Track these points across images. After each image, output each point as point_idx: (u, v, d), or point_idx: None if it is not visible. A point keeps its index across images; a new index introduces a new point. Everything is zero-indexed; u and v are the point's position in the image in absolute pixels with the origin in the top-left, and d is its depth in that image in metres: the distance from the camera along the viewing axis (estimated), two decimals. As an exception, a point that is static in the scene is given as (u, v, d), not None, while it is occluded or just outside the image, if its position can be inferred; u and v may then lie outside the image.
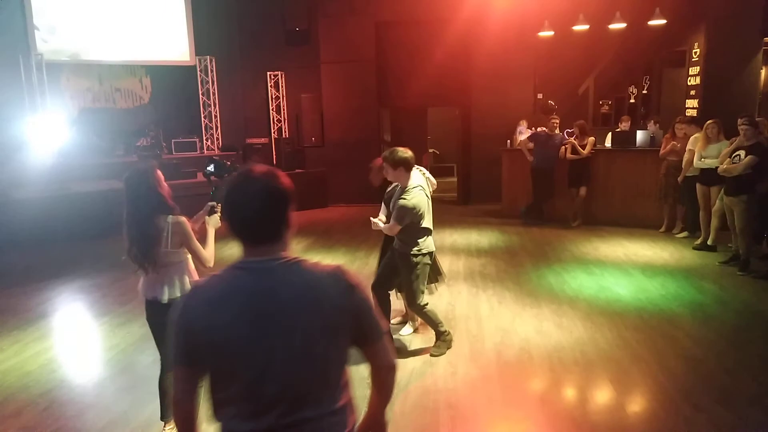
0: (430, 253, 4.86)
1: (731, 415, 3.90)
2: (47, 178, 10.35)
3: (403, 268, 4.80)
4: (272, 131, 13.86)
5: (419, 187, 4.67)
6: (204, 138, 13.84)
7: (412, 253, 4.73)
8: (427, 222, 4.77)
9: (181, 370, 1.77)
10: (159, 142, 12.93)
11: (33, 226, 9.42)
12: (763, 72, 11.46)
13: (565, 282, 6.91)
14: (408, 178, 4.66)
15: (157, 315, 3.55)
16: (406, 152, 4.62)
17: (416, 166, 4.77)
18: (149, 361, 5.04)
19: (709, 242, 8.03)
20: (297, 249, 8.81)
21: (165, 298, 3.52)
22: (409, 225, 4.67)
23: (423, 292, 4.86)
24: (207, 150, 13.77)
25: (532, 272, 7.36)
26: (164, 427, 3.79)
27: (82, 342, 5.66)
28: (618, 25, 10.99)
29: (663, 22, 10.64)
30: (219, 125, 13.94)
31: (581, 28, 11.20)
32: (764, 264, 7.11)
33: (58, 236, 9.52)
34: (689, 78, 11.27)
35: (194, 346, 1.70)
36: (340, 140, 12.66)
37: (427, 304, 4.88)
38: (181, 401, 1.79)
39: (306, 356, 1.70)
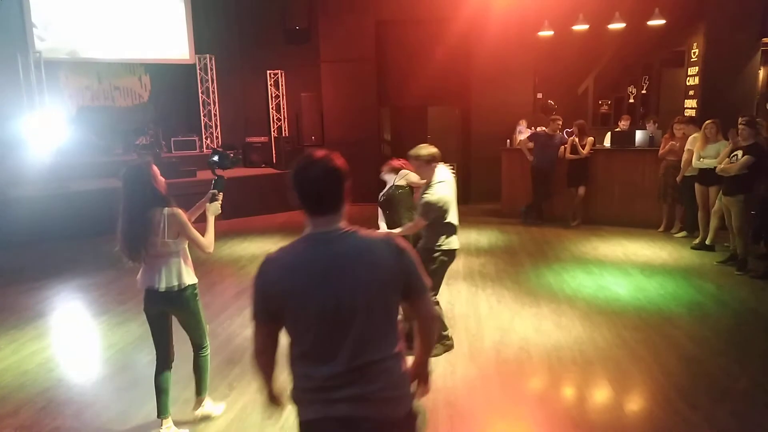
0: (452, 251, 4.87)
1: (729, 414, 3.91)
2: (46, 176, 10.34)
3: (423, 262, 4.75)
4: (272, 130, 13.87)
5: (443, 182, 4.74)
6: (203, 137, 13.83)
7: (434, 248, 4.77)
8: (452, 217, 4.81)
9: (260, 327, 2.16)
10: (158, 140, 12.92)
11: (31, 225, 9.41)
12: (761, 72, 11.46)
13: (564, 281, 6.91)
14: (433, 173, 4.74)
15: (154, 304, 3.71)
16: (432, 148, 4.76)
17: (442, 163, 4.87)
18: (147, 360, 5.03)
19: (707, 242, 8.04)
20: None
21: (162, 286, 3.62)
22: (433, 220, 4.71)
23: (437, 290, 4.86)
24: (207, 149, 13.76)
25: (531, 271, 7.36)
26: (162, 424, 3.78)
27: (80, 341, 5.65)
28: (617, 25, 10.99)
29: (662, 22, 10.65)
30: (218, 124, 13.94)
31: (581, 28, 11.20)
32: (762, 263, 7.11)
33: (56, 235, 9.52)
34: (688, 78, 11.28)
35: (273, 306, 2.07)
36: (340, 139, 12.64)
37: (437, 304, 4.87)
38: (262, 353, 2.20)
39: (369, 309, 2.03)
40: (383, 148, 13.12)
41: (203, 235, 3.69)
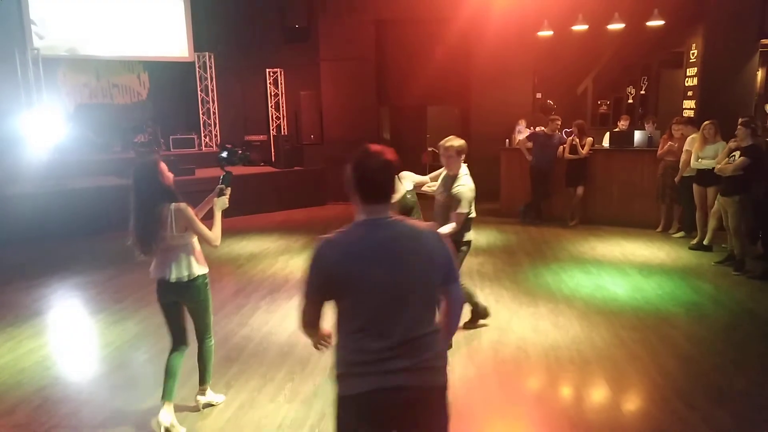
0: (470, 243, 5.10)
1: (726, 414, 3.91)
2: (43, 174, 10.32)
3: None
4: (271, 128, 13.85)
5: (468, 174, 4.92)
6: (202, 135, 13.82)
7: (461, 240, 4.87)
8: (473, 210, 4.96)
9: (312, 305, 2.35)
10: (157, 138, 12.91)
11: (29, 223, 9.40)
12: (759, 73, 11.49)
13: (562, 281, 6.91)
14: (460, 165, 4.89)
15: (166, 294, 3.88)
16: (460, 140, 4.91)
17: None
18: (144, 358, 5.03)
19: (705, 242, 8.04)
20: (295, 246, 8.80)
21: (173, 277, 3.77)
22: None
23: None
24: (205, 147, 13.75)
25: (529, 271, 7.36)
26: (163, 406, 3.81)
27: (77, 339, 5.64)
28: (617, 26, 10.99)
29: (661, 23, 10.65)
30: (217, 122, 13.93)
31: (580, 28, 11.20)
32: (759, 264, 7.11)
33: (53, 233, 9.50)
34: (687, 79, 11.28)
35: (328, 286, 2.27)
36: (339, 138, 12.63)
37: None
38: (312, 324, 2.42)
39: (420, 288, 2.27)
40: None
41: (210, 230, 3.83)
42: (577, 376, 4.54)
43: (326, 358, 4.82)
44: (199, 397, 4.13)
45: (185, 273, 3.79)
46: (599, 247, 8.48)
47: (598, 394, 4.28)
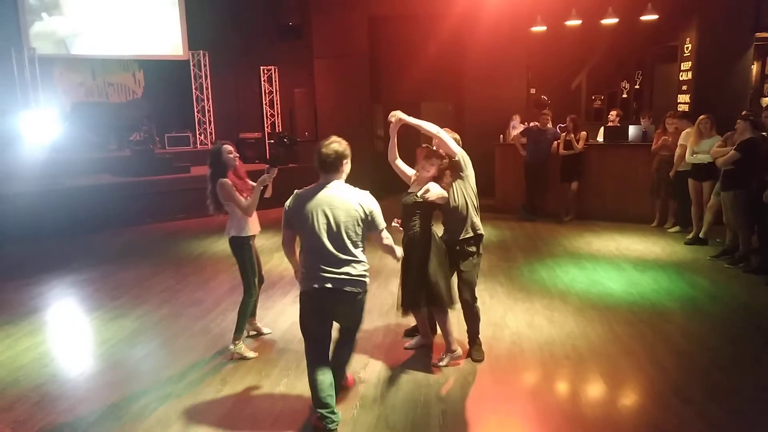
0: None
1: (721, 409, 3.93)
2: (39, 172, 10.31)
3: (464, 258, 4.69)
4: (265, 126, 13.84)
5: None
6: (197, 132, 13.80)
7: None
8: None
9: (285, 231, 3.74)
10: (152, 136, 12.90)
11: (25, 221, 9.39)
12: (754, 67, 11.50)
13: (557, 276, 6.93)
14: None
15: (230, 248, 4.91)
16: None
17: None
18: (141, 355, 5.04)
19: (701, 235, 8.06)
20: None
21: (228, 235, 4.87)
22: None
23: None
24: (200, 145, 13.73)
25: (524, 267, 7.38)
26: (233, 340, 4.85)
27: (74, 336, 5.64)
28: (610, 20, 10.99)
29: (655, 17, 10.66)
30: (212, 120, 13.91)
31: (574, 23, 11.21)
32: (754, 258, 7.11)
33: (50, 230, 9.50)
34: (681, 73, 11.30)
35: (290, 221, 3.64)
36: (333, 135, 12.60)
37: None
38: (287, 244, 3.83)
39: (342, 227, 3.53)
40: (376, 144, 13.12)
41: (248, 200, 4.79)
42: (572, 371, 4.56)
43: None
44: (230, 346, 4.87)
45: (230, 233, 4.84)
46: (594, 243, 8.50)
47: (593, 390, 4.30)
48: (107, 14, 12.57)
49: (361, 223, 3.56)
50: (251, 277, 4.89)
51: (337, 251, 3.53)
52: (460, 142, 4.75)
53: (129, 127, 12.96)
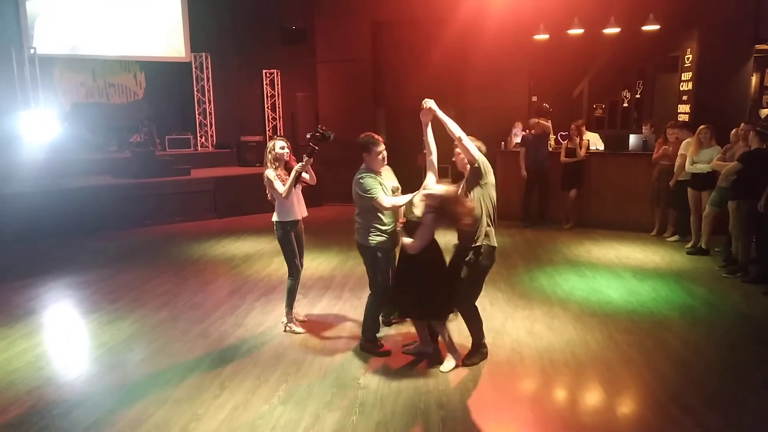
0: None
1: (719, 418, 3.92)
2: (39, 173, 10.30)
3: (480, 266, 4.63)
4: (267, 129, 13.84)
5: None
6: (198, 135, 13.80)
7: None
8: None
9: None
10: (152, 138, 12.89)
11: (24, 222, 9.37)
12: (753, 78, 11.54)
13: (556, 284, 6.92)
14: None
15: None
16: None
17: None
18: (138, 359, 5.02)
19: (702, 245, 8.06)
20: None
21: (273, 220, 5.38)
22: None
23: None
24: (201, 147, 13.73)
25: (524, 274, 7.37)
26: (285, 314, 5.52)
27: (70, 339, 5.60)
28: (612, 30, 11.01)
29: (656, 27, 10.68)
30: (213, 122, 13.91)
31: (576, 32, 11.22)
32: (753, 268, 7.10)
33: (48, 232, 9.48)
34: (682, 83, 11.33)
35: None
36: (335, 139, 12.60)
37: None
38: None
39: (355, 199, 4.65)
40: (378, 148, 13.10)
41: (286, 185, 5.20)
42: (571, 379, 4.55)
43: (320, 360, 4.83)
44: (283, 319, 5.51)
45: (277, 218, 5.31)
46: (594, 251, 8.50)
47: (593, 397, 4.29)
48: (108, 15, 12.57)
49: None
50: (292, 259, 5.37)
51: None
52: (484, 151, 4.79)
53: (129, 128, 12.95)
